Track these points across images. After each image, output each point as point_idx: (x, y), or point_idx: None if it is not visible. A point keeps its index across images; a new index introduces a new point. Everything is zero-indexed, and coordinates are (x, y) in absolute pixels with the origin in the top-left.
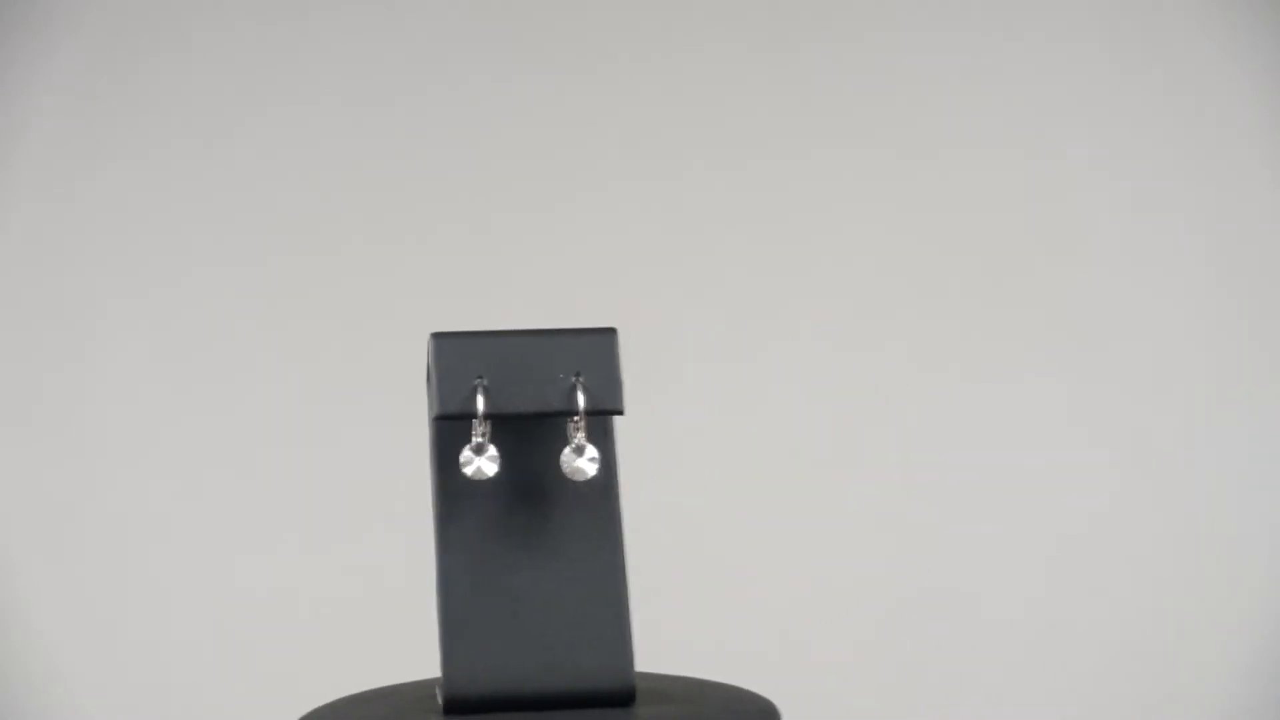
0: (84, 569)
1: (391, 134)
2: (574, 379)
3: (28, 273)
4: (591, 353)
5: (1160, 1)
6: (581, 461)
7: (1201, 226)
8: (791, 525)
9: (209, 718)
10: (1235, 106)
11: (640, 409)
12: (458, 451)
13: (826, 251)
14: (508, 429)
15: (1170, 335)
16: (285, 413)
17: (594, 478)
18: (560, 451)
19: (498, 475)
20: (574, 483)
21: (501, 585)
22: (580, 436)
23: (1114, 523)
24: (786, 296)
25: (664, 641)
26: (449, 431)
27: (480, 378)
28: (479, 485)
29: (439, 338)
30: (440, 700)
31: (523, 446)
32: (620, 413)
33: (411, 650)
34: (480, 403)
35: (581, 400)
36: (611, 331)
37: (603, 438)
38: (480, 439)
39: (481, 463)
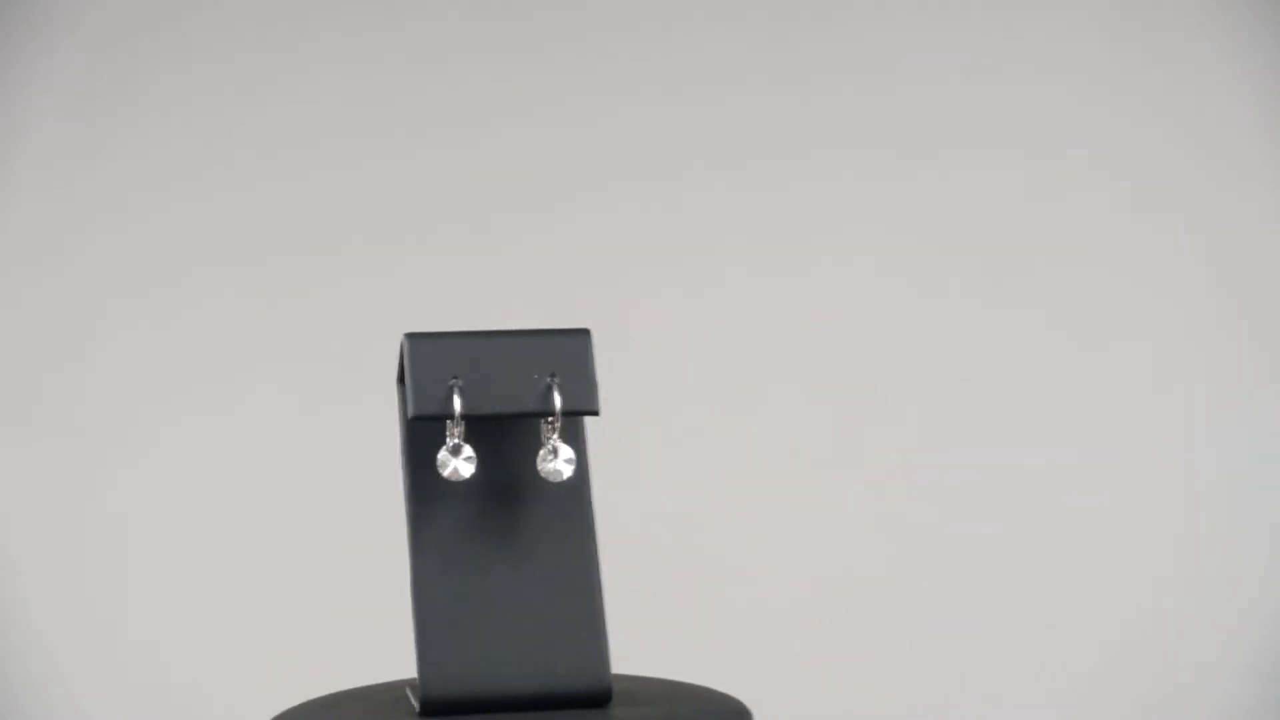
0: (84, 569)
1: (391, 134)
2: (549, 380)
3: (28, 273)
4: (566, 354)
5: (1160, 1)
6: (558, 463)
7: (1201, 226)
8: (791, 525)
9: (209, 717)
10: (1235, 106)
11: (640, 409)
12: (429, 452)
13: (826, 251)
14: (480, 429)
15: (1170, 335)
16: (285, 413)
17: (567, 479)
18: (533, 452)
19: (470, 476)
20: (547, 484)
21: (476, 587)
22: (556, 438)
23: (1114, 523)
24: (786, 296)
25: (665, 642)
26: (420, 432)
27: (456, 378)
28: (451, 486)
29: (413, 338)
30: (415, 702)
31: (495, 447)
32: (596, 413)
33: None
34: (457, 404)
35: (558, 401)
36: (585, 332)
37: (575, 438)
38: (456, 440)
39: (458, 464)
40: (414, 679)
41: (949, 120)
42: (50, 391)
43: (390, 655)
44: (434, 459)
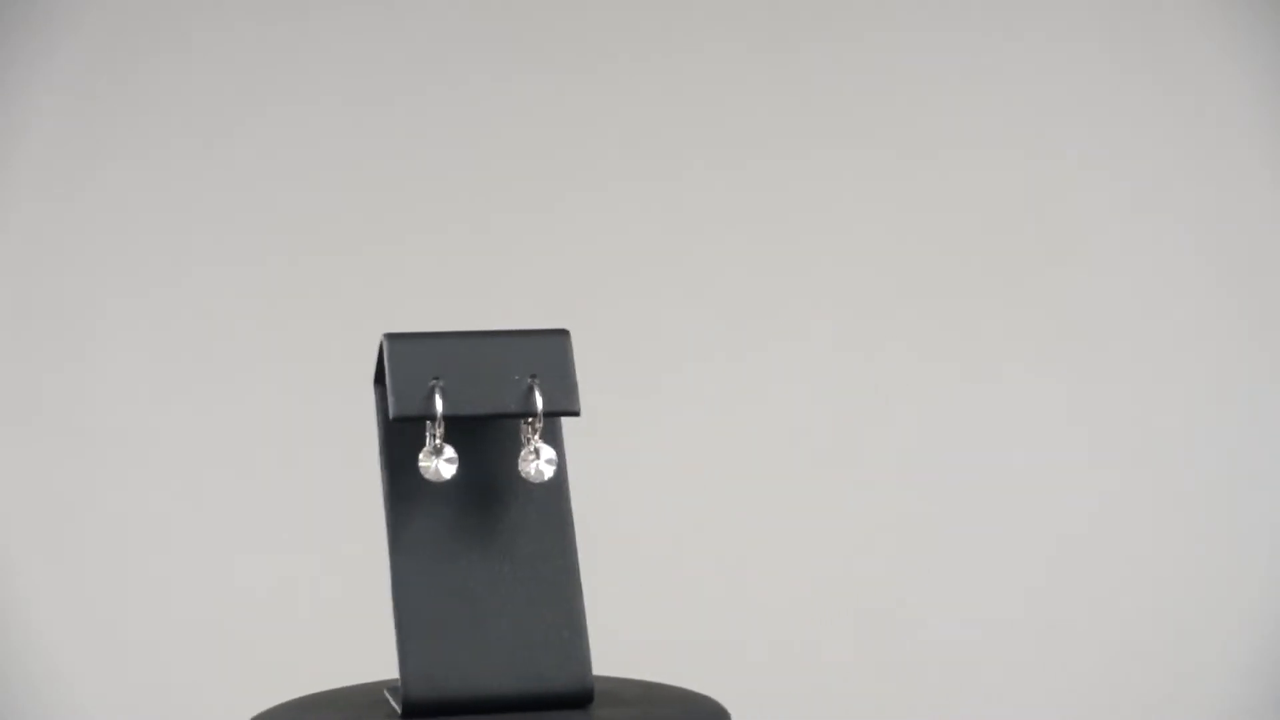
0: (84, 569)
1: (391, 134)
2: (529, 380)
3: (28, 273)
4: (545, 354)
5: (1160, 1)
6: (540, 463)
7: (1201, 226)
8: (791, 525)
9: (208, 717)
10: (1235, 106)
11: (640, 408)
12: (407, 453)
13: (826, 251)
14: (459, 430)
15: (1170, 335)
16: (285, 413)
17: (548, 479)
18: (510, 452)
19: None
20: (525, 484)
21: (456, 588)
22: (537, 438)
23: (1114, 523)
24: (786, 296)
25: (664, 642)
26: (398, 433)
27: (436, 379)
28: (430, 487)
29: (392, 339)
30: (394, 704)
31: (473, 447)
32: (576, 414)
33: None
34: (439, 405)
35: (539, 402)
36: (564, 333)
37: (554, 439)
38: (438, 441)
39: (440, 464)
40: (391, 681)
41: (949, 120)
42: (50, 391)
43: (390, 655)
44: (412, 460)
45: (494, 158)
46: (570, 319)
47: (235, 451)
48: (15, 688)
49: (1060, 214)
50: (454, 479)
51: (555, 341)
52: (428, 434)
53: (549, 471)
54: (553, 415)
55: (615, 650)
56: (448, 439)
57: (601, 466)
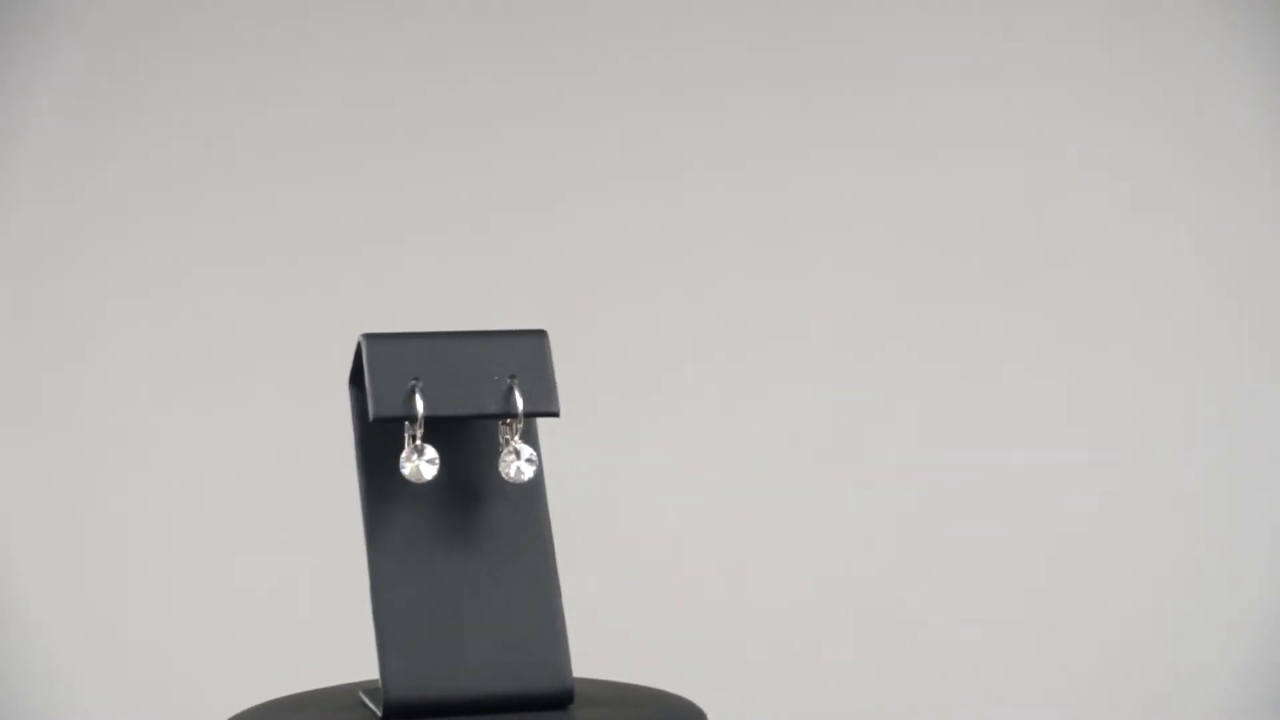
0: (84, 569)
1: (391, 134)
2: (509, 381)
3: (28, 273)
4: (524, 355)
5: (1160, 1)
6: (520, 464)
7: (1201, 226)
8: (791, 525)
9: (208, 717)
10: (1235, 106)
11: (640, 408)
12: (384, 454)
13: (826, 251)
14: (436, 430)
15: (1170, 335)
16: (285, 413)
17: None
18: (488, 452)
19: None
20: (502, 484)
21: (435, 589)
22: (517, 439)
23: (1114, 523)
24: (786, 296)
25: (667, 642)
26: (374, 434)
27: (416, 379)
28: (407, 488)
29: (370, 339)
30: (372, 706)
31: (451, 447)
32: (556, 414)
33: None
34: (419, 405)
35: (520, 403)
36: (542, 333)
37: (531, 438)
38: (418, 441)
39: (421, 465)
40: (366, 683)
41: (949, 120)
42: (50, 391)
43: None
44: (389, 461)
45: (494, 158)
46: (571, 319)
47: (235, 451)
48: (15, 688)
49: (1060, 214)
50: (431, 480)
51: (533, 342)
52: (406, 434)
53: (529, 472)
54: (533, 416)
55: (616, 650)
56: (428, 440)
57: (601, 466)
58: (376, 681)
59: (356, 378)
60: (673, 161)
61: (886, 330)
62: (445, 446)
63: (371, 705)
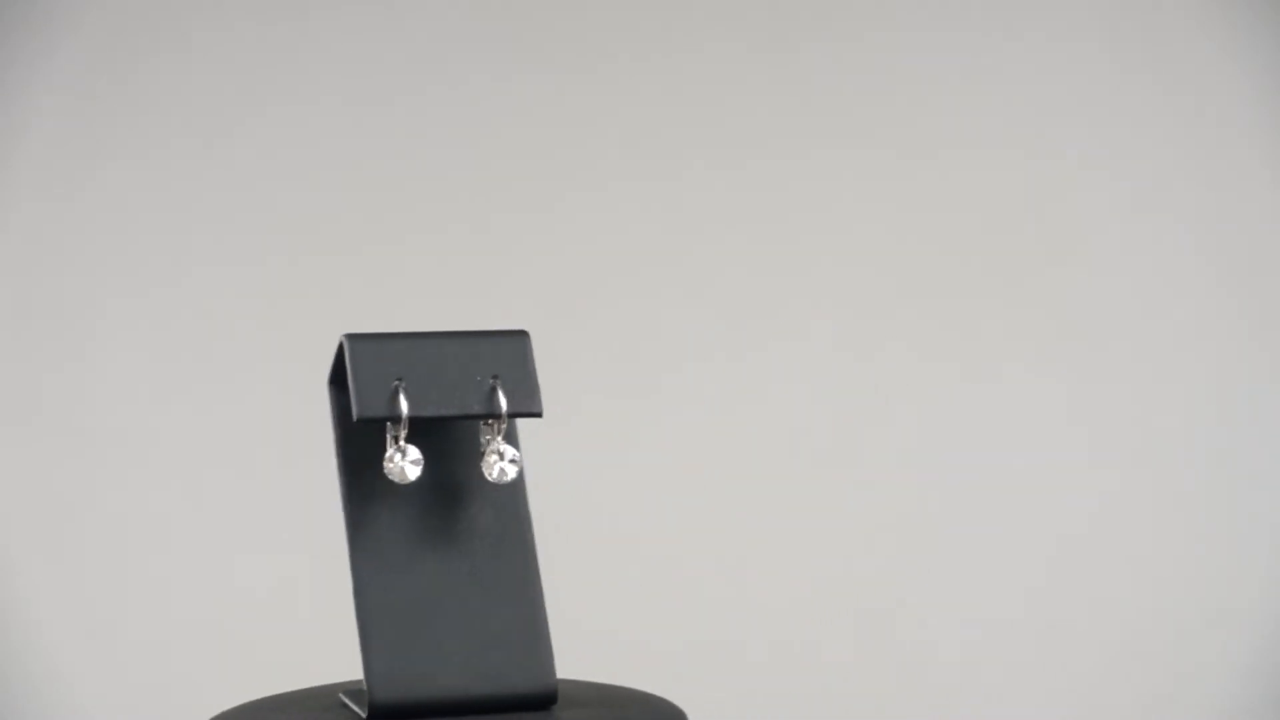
0: (84, 569)
1: (391, 134)
2: (491, 382)
3: (28, 273)
4: (506, 356)
5: (1160, 1)
6: (504, 464)
7: (1201, 226)
8: (791, 525)
9: (208, 717)
10: (1235, 106)
11: (640, 408)
12: (365, 455)
13: (826, 251)
14: (416, 430)
15: (1170, 335)
16: (285, 413)
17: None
18: (468, 452)
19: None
20: (483, 485)
21: (418, 590)
22: (500, 440)
23: (1114, 523)
24: (786, 296)
25: (667, 642)
26: (354, 434)
27: (399, 380)
28: (388, 489)
29: (353, 339)
30: (354, 707)
31: (431, 448)
32: (539, 415)
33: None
34: (404, 405)
35: (503, 404)
36: (524, 334)
37: (513, 439)
38: (402, 442)
39: (405, 465)
40: (348, 685)
41: (949, 120)
42: (50, 391)
43: None
44: (370, 461)
45: (494, 158)
46: (570, 319)
47: (235, 451)
48: (15, 688)
49: (1060, 214)
50: (414, 480)
51: (515, 343)
52: (388, 435)
53: (513, 472)
54: (516, 416)
55: (615, 650)
56: (407, 440)
57: (600, 467)
58: (357, 683)
59: (336, 378)
60: (673, 161)
61: (886, 330)
62: (426, 447)
63: (353, 706)
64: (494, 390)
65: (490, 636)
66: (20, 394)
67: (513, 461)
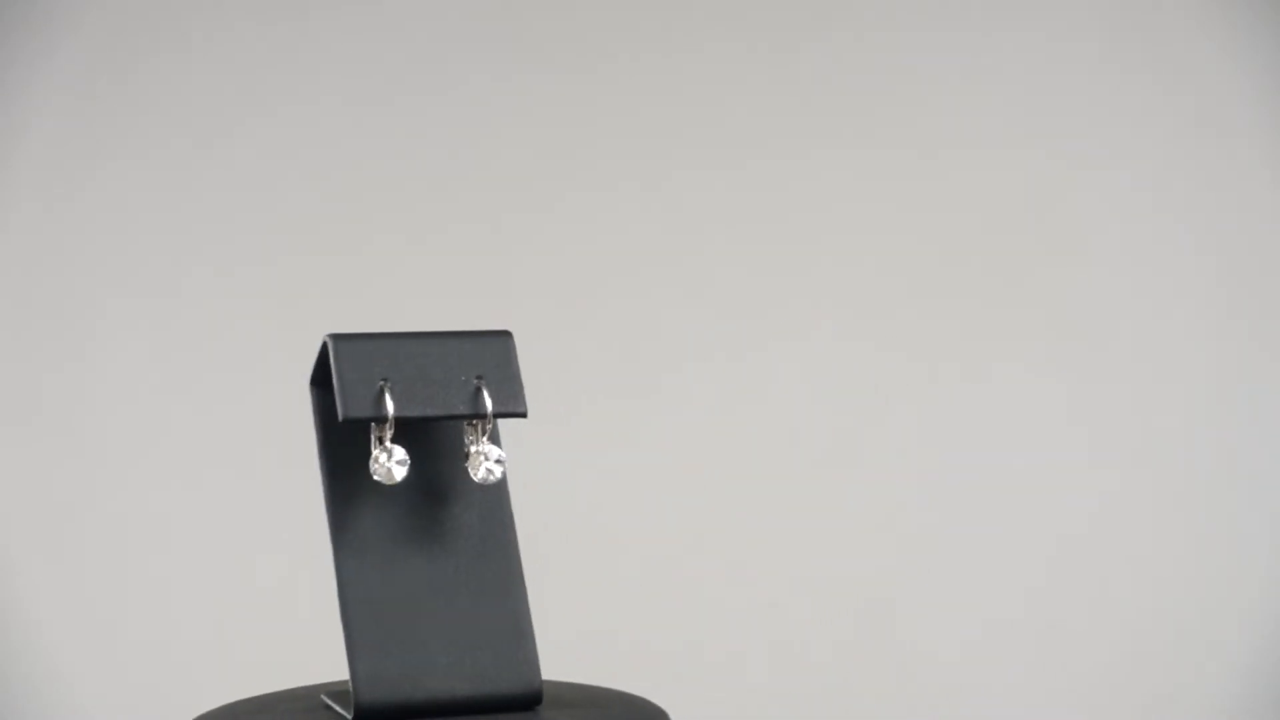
0: (84, 569)
1: (391, 134)
2: (476, 382)
3: (28, 273)
4: (490, 356)
5: (1160, 1)
6: (490, 465)
7: (1201, 226)
8: (790, 525)
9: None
10: (1235, 106)
11: (640, 408)
12: (348, 455)
13: (826, 251)
14: (400, 431)
15: (1170, 335)
16: (285, 413)
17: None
18: (451, 453)
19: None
20: (466, 485)
21: (403, 591)
22: (485, 440)
23: (1114, 523)
24: (786, 296)
25: (666, 642)
26: (337, 434)
27: (385, 380)
28: (371, 488)
29: (337, 339)
30: (337, 709)
31: (414, 448)
32: (524, 415)
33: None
34: (390, 406)
35: (489, 404)
36: (507, 334)
37: (495, 439)
38: (388, 443)
39: (392, 466)
40: (330, 685)
41: (949, 120)
42: (50, 391)
43: None
44: (353, 462)
45: (494, 158)
46: (571, 319)
47: (235, 451)
48: (15, 688)
49: (1060, 214)
50: (399, 480)
51: (499, 343)
52: (373, 435)
53: (499, 472)
54: (501, 417)
55: (615, 649)
56: (395, 440)
57: (600, 467)
58: (338, 684)
59: (318, 379)
60: (673, 161)
61: (886, 330)
62: (408, 447)
63: (336, 708)
64: (479, 391)
65: (476, 637)
66: (20, 394)
67: (499, 462)
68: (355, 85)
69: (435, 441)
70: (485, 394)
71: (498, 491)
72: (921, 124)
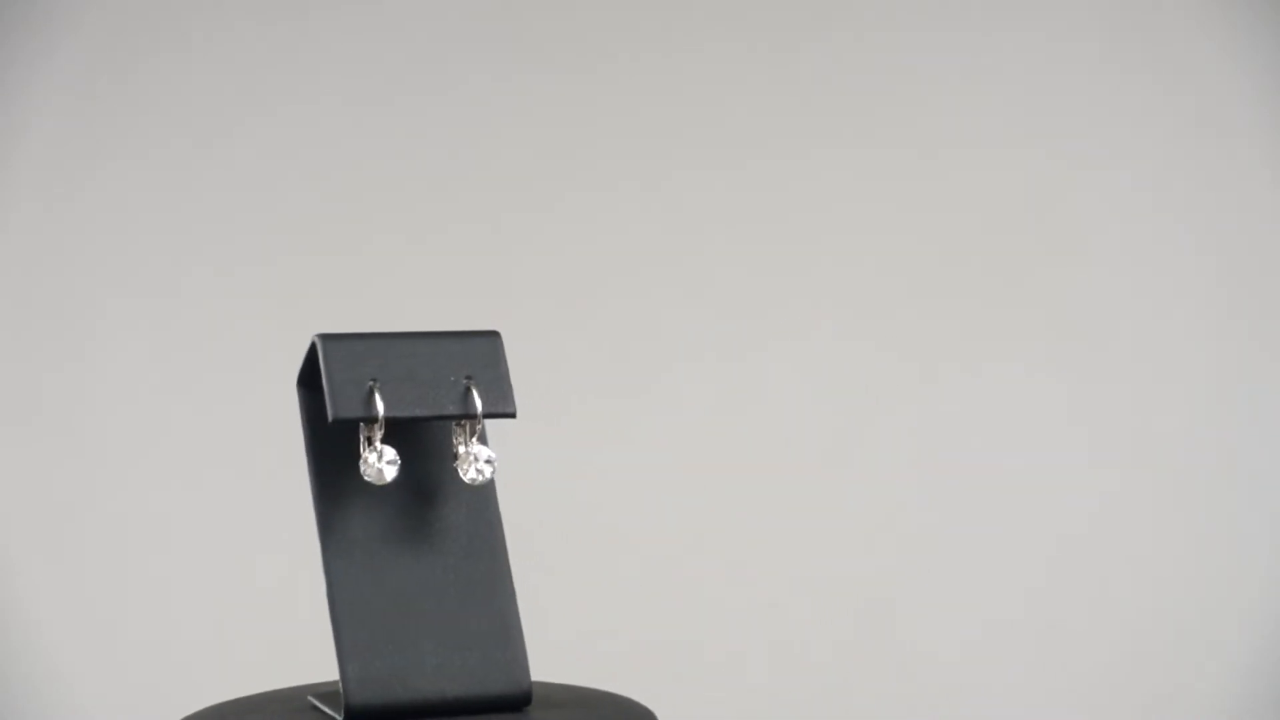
0: (84, 569)
1: (392, 134)
2: (465, 382)
3: (28, 273)
4: (479, 356)
5: (1160, 1)
6: (480, 465)
7: (1201, 226)
8: (790, 525)
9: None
10: (1235, 106)
11: (639, 408)
12: (336, 455)
13: (826, 251)
14: (388, 431)
15: (1170, 335)
16: (285, 413)
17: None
18: (439, 453)
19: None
20: (454, 485)
21: (391, 592)
22: (474, 440)
23: (1114, 523)
24: (786, 296)
25: (666, 642)
26: (325, 435)
27: (374, 380)
28: (359, 489)
29: (326, 339)
30: (326, 710)
31: (402, 448)
32: (513, 416)
33: None
34: (380, 406)
35: (479, 404)
36: (495, 334)
37: (483, 439)
38: (378, 443)
39: (382, 466)
40: (319, 686)
41: (949, 120)
42: (50, 391)
43: None
44: (341, 462)
45: (494, 158)
46: (570, 318)
47: (235, 451)
48: (15, 688)
49: (1060, 214)
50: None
51: (487, 343)
52: (362, 435)
53: (488, 472)
54: (491, 417)
55: (615, 650)
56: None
57: (599, 467)
58: (327, 684)
59: (306, 379)
60: (673, 161)
61: (887, 330)
62: (396, 447)
63: (325, 709)
64: (469, 391)
65: (464, 638)
66: (20, 394)
67: (489, 462)
68: (355, 85)
69: (423, 441)
70: (475, 394)
71: (485, 491)
72: (921, 124)
